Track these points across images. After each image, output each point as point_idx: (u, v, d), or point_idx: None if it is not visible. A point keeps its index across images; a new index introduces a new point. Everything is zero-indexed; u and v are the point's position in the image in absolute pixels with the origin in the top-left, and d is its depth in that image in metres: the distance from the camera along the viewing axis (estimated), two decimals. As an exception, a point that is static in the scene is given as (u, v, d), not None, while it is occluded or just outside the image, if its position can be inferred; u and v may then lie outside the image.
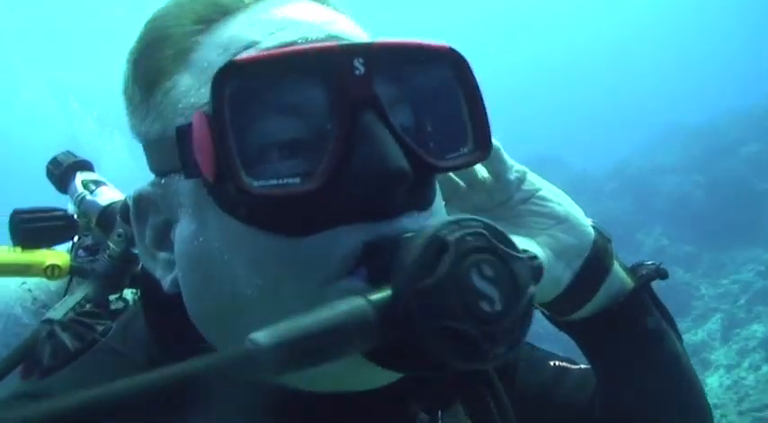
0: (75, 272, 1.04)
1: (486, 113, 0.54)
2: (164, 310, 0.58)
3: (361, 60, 0.48)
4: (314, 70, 0.48)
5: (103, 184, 1.15)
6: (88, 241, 1.11)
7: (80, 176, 1.17)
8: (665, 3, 27.27)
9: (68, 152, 1.22)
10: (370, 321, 0.39)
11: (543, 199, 0.71)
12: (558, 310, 0.73)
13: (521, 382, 0.78)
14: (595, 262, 0.70)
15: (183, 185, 0.53)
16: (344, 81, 0.48)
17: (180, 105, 0.53)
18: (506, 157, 0.71)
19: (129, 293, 1.00)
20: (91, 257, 1.07)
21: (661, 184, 10.71)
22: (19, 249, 1.05)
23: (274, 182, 0.47)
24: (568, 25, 28.18)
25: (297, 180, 0.48)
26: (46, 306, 1.06)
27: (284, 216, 0.49)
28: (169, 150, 0.52)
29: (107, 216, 1.07)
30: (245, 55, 0.50)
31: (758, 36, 21.38)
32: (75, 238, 1.13)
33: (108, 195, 1.12)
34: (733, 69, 20.59)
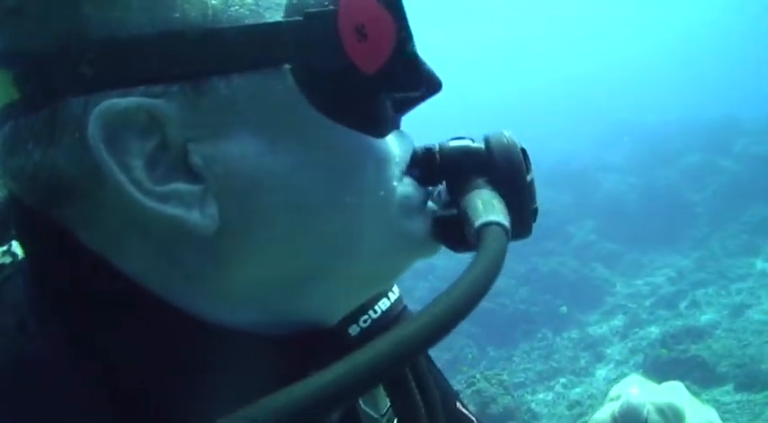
0: None
1: None
2: (80, 264, 0.47)
3: None
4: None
5: None
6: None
7: None
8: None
9: None
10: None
11: None
12: None
13: None
14: None
15: (252, 89, 0.45)
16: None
17: None
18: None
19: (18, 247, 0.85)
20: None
21: (602, 182, 11.09)
22: None
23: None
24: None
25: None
26: None
27: (381, 116, 0.51)
28: (214, 45, 0.44)
29: None
30: None
31: (728, 55, 22.06)
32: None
33: None
34: (697, 80, 21.24)
